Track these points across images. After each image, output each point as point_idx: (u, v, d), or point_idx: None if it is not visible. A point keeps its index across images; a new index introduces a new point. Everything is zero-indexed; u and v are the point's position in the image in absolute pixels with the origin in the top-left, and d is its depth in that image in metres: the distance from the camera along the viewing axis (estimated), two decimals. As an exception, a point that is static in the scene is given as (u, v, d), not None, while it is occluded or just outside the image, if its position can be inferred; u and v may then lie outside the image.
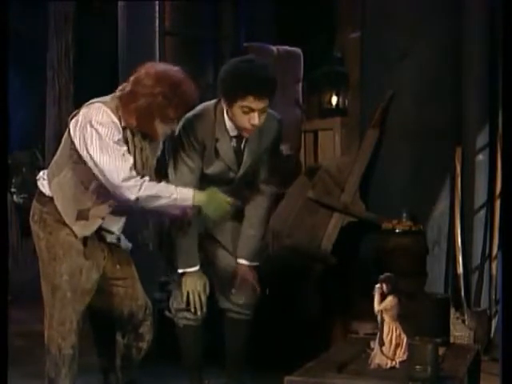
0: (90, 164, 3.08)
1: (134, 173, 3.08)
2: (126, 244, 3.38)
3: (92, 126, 3.05)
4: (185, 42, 6.79)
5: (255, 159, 3.44)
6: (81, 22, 8.19)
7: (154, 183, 3.13)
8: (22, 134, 8.29)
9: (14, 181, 7.89)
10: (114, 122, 3.08)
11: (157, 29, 6.31)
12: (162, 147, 3.39)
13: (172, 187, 3.15)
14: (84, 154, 3.09)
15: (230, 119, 3.30)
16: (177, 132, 3.37)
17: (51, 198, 3.19)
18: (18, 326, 4.97)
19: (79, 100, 3.29)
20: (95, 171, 3.08)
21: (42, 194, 3.24)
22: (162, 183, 3.16)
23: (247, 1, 7.47)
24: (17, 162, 7.95)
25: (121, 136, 3.10)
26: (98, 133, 3.05)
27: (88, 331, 3.43)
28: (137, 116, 3.09)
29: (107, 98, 3.18)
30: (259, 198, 3.54)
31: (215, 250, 3.58)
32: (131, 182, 3.05)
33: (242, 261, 3.52)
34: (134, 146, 3.16)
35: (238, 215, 3.56)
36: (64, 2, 8.26)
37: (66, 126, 3.19)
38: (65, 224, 3.16)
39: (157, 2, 6.32)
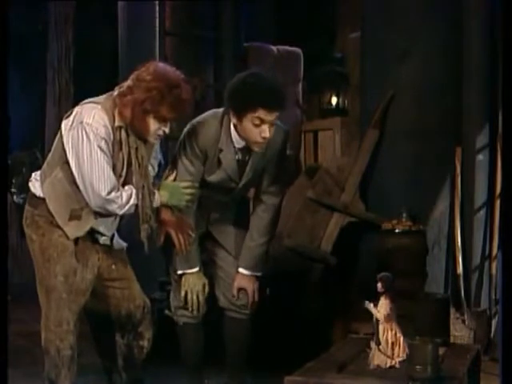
0: (74, 170, 3.08)
1: (116, 184, 3.09)
2: (119, 244, 3.37)
3: (82, 127, 3.04)
4: (185, 42, 6.80)
5: (258, 171, 3.44)
6: (81, 22, 8.18)
7: (130, 191, 3.14)
8: (22, 134, 8.27)
9: (14, 181, 7.87)
10: (105, 126, 3.07)
11: (157, 29, 6.33)
12: (158, 150, 3.38)
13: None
14: (70, 156, 3.08)
15: (238, 133, 3.29)
16: (182, 135, 3.39)
17: (43, 200, 3.19)
18: (18, 326, 4.97)
19: (79, 100, 3.27)
20: (77, 180, 3.08)
21: (33, 196, 3.24)
22: (132, 189, 3.15)
23: (247, 1, 7.48)
24: (17, 162, 7.93)
25: (111, 141, 3.09)
26: (87, 135, 3.03)
27: (89, 332, 3.43)
28: (132, 108, 3.07)
29: (102, 97, 3.17)
30: (260, 209, 3.53)
31: (217, 250, 3.59)
32: (113, 195, 3.08)
33: (242, 270, 3.51)
34: (129, 147, 3.14)
35: (240, 219, 3.57)
36: (64, 2, 8.25)
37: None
38: (57, 226, 3.16)
39: (157, 2, 6.34)
